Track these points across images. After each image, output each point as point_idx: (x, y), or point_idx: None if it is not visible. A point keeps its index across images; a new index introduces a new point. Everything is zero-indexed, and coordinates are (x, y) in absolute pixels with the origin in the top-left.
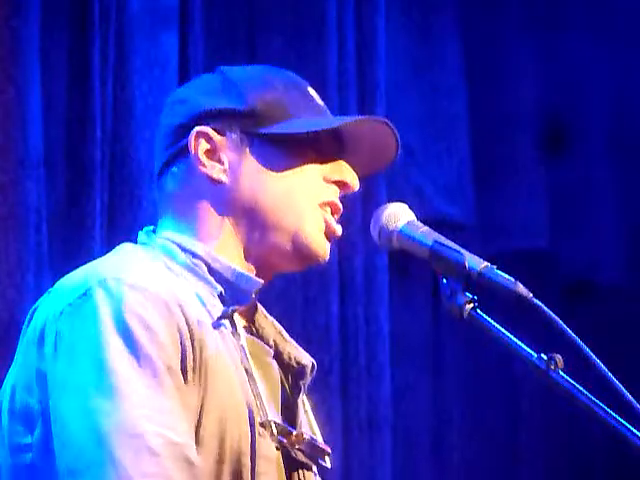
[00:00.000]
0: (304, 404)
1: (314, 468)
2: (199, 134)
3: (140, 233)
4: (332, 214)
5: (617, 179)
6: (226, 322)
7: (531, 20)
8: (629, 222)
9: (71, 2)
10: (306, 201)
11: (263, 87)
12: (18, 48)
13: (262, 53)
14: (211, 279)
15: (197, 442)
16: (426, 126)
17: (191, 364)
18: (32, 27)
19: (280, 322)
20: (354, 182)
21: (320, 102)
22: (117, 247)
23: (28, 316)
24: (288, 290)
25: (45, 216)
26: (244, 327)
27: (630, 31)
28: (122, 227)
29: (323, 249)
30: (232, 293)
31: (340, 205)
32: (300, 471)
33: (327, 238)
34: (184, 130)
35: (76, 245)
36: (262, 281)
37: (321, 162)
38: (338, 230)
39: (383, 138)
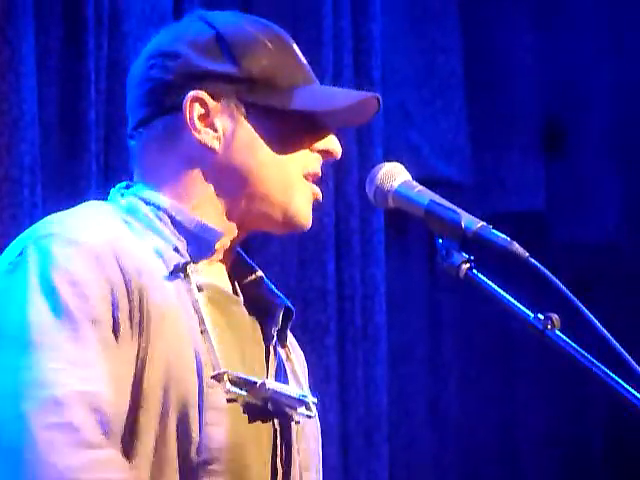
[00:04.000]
0: (289, 351)
1: (295, 417)
2: (194, 99)
3: (112, 190)
4: (314, 182)
5: (615, 136)
6: (181, 275)
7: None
8: (628, 183)
9: None
10: (295, 172)
11: (256, 48)
12: (12, 10)
13: (257, 9)
14: (169, 234)
15: (140, 393)
16: (422, 85)
17: (126, 315)
18: None
19: (276, 283)
20: (338, 151)
21: (304, 60)
22: (82, 204)
23: None
24: (284, 251)
25: (40, 177)
26: (226, 281)
27: (630, 29)
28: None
29: (308, 218)
30: (194, 245)
31: (320, 173)
32: (274, 420)
33: (311, 205)
34: (175, 89)
35: (71, 206)
36: (223, 232)
37: (313, 133)
38: (320, 196)
39: (367, 106)
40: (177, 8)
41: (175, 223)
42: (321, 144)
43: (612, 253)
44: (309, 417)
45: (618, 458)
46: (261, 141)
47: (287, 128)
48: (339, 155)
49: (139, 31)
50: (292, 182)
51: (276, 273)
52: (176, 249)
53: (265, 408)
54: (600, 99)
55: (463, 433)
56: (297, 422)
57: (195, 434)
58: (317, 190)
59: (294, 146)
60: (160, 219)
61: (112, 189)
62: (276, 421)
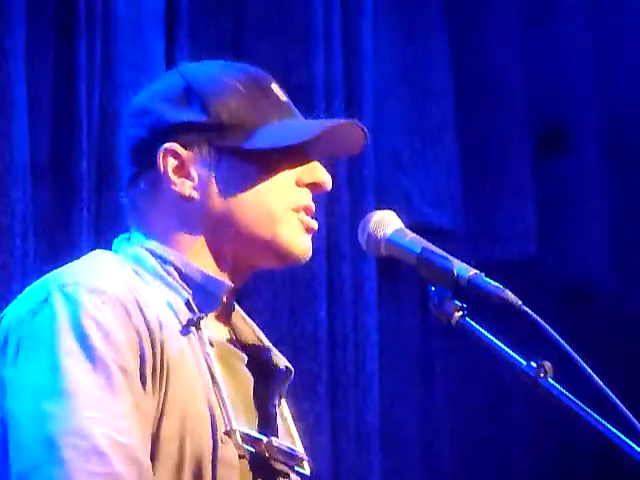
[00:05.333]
0: (282, 410)
1: (292, 476)
2: (167, 151)
3: (115, 241)
4: (306, 215)
5: (607, 186)
6: (193, 329)
7: (519, 22)
8: (617, 229)
9: (56, 7)
10: (279, 208)
11: (226, 93)
12: (3, 55)
13: (248, 58)
14: (178, 286)
15: (157, 445)
16: (414, 132)
17: (150, 366)
18: (17, 35)
19: (267, 330)
20: (327, 182)
21: (283, 98)
22: (90, 253)
23: None
24: (275, 298)
25: (31, 225)
26: (225, 330)
27: (624, 32)
28: (109, 237)
29: (304, 249)
30: (202, 297)
31: (313, 206)
32: (277, 478)
33: (307, 234)
34: (149, 145)
35: (63, 254)
36: (231, 284)
37: (292, 167)
38: (314, 225)
39: (351, 134)
40: (169, 55)
41: (182, 276)
42: (307, 177)
43: (607, 302)
44: (304, 476)
45: None
46: (239, 182)
47: (262, 165)
48: (328, 187)
49: (131, 79)
50: (276, 216)
51: (267, 320)
52: (187, 302)
53: (268, 465)
54: (594, 140)
55: (456, 474)
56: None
57: None
58: (307, 219)
59: (274, 182)
60: (167, 272)
61: (115, 239)
62: (278, 479)
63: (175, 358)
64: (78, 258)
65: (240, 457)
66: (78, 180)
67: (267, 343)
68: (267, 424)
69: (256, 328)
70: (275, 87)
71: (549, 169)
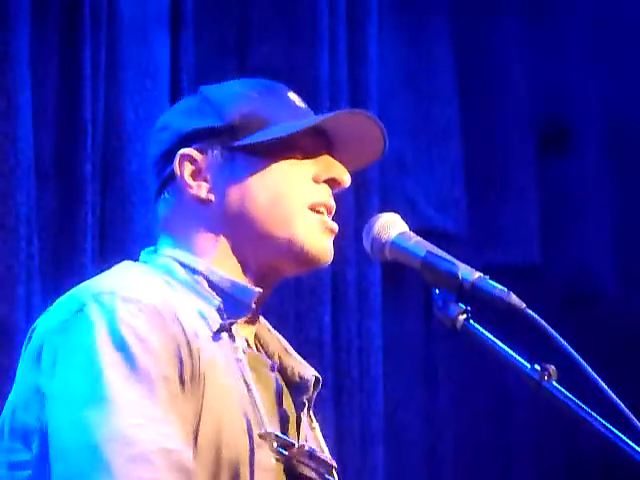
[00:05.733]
0: (311, 420)
1: None
2: (182, 157)
3: (142, 253)
4: (326, 214)
5: (609, 188)
6: (224, 335)
7: (524, 26)
8: (621, 232)
9: (61, 12)
10: (296, 205)
11: (240, 100)
12: (8, 60)
13: (253, 60)
14: (209, 294)
15: (195, 451)
16: (418, 135)
17: (189, 373)
18: (22, 39)
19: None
20: (344, 178)
21: (301, 105)
22: (117, 265)
23: (28, 335)
24: (280, 303)
25: (36, 228)
26: (247, 340)
27: (627, 35)
28: (114, 239)
29: (323, 250)
30: (231, 305)
31: (332, 203)
32: None
33: (326, 234)
34: (169, 156)
35: (67, 257)
36: (260, 290)
37: (308, 163)
38: (334, 227)
39: (369, 131)
40: (174, 59)
41: (211, 284)
42: (324, 173)
43: (610, 306)
44: None
45: None
46: (253, 181)
47: (276, 162)
48: (347, 182)
49: (135, 83)
50: (292, 215)
51: (273, 324)
52: (219, 309)
53: (299, 471)
54: (596, 141)
55: (460, 478)
56: None
57: None
58: (326, 219)
59: (289, 179)
60: (196, 281)
61: (142, 252)
62: None
63: (209, 365)
64: (82, 261)
65: (276, 460)
66: (82, 184)
67: (294, 354)
68: (295, 432)
69: (282, 338)
70: (292, 95)
71: (552, 171)
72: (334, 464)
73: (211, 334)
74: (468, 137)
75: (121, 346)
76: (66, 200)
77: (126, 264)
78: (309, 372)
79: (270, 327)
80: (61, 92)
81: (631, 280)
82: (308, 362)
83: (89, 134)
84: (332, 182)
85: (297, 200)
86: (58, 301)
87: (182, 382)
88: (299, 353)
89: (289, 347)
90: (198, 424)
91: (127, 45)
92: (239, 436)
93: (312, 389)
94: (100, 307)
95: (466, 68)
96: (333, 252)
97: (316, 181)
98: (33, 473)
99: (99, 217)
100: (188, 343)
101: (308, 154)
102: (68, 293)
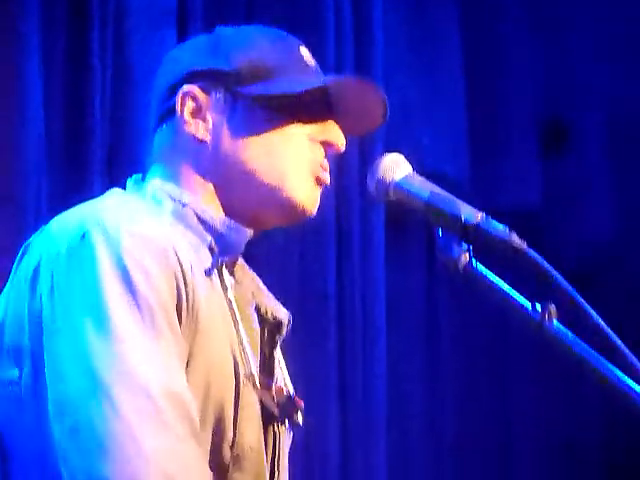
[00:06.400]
0: (279, 358)
1: (286, 423)
2: (185, 94)
3: (129, 180)
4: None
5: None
6: (215, 273)
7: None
8: (622, 175)
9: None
10: (289, 161)
11: (250, 47)
12: (16, 31)
13: None
14: (201, 228)
15: None
16: (423, 83)
17: (185, 308)
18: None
19: (276, 284)
20: (340, 142)
21: (311, 62)
22: (107, 192)
23: (21, 250)
24: (285, 249)
25: (45, 204)
26: (232, 278)
27: (629, 31)
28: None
29: (308, 201)
30: (222, 244)
31: (327, 164)
32: (275, 424)
33: (316, 185)
34: (173, 90)
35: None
36: (251, 231)
37: (306, 122)
38: (325, 177)
39: (371, 99)
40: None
41: (201, 220)
42: (321, 134)
43: (607, 250)
44: (299, 426)
45: (614, 462)
46: (251, 130)
47: (276, 115)
48: (342, 147)
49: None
50: (285, 167)
51: (277, 273)
52: (210, 247)
53: (272, 411)
54: (599, 98)
55: (459, 434)
56: (288, 428)
57: (230, 431)
58: (319, 171)
59: (285, 134)
60: (186, 214)
61: (128, 179)
62: (277, 425)
63: (202, 301)
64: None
65: (257, 400)
66: (90, 162)
67: (267, 293)
68: (268, 370)
69: (256, 277)
70: (304, 50)
71: (557, 121)
72: (301, 405)
73: (203, 271)
74: (472, 85)
75: (125, 278)
76: (73, 176)
77: (117, 192)
78: (282, 312)
79: (246, 265)
80: (69, 67)
81: (628, 223)
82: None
83: (97, 120)
84: (328, 145)
85: (291, 155)
86: (57, 223)
87: (180, 316)
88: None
89: (263, 286)
90: (189, 360)
91: (135, 30)
92: (227, 375)
93: (283, 328)
94: (105, 237)
95: (471, 14)
96: (318, 205)
97: (312, 140)
98: (21, 391)
99: (107, 149)
100: (185, 279)
101: (308, 112)
102: (67, 217)
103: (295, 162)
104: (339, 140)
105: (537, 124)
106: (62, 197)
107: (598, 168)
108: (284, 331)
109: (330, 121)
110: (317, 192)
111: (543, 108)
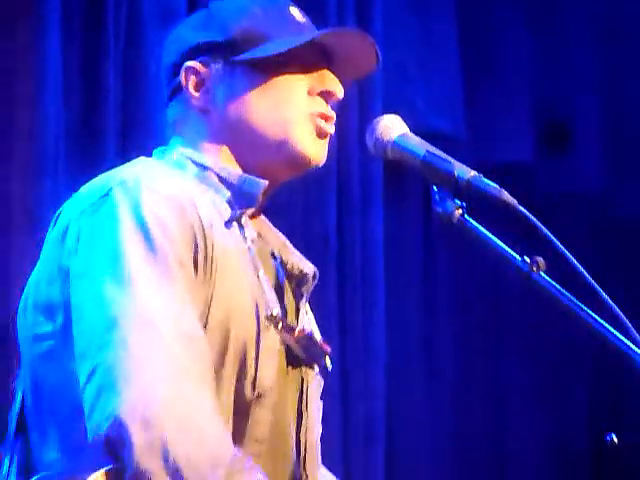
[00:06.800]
0: (307, 311)
1: (315, 367)
2: (187, 69)
3: (154, 151)
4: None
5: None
6: (235, 225)
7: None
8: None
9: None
10: (293, 113)
11: (241, 16)
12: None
13: None
14: (220, 186)
15: (205, 331)
16: (419, 45)
17: (202, 259)
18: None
19: (281, 229)
20: (338, 90)
21: (302, 19)
22: (134, 160)
23: (53, 219)
24: (288, 199)
25: (62, 133)
26: (255, 231)
27: (627, 27)
28: (135, 139)
29: (316, 151)
30: (240, 197)
31: (330, 113)
32: (303, 368)
33: (320, 138)
34: (177, 67)
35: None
36: (267, 182)
37: (303, 76)
38: (328, 129)
39: (361, 45)
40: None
41: (221, 179)
42: (318, 85)
43: (597, 202)
44: (327, 371)
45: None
46: (251, 95)
47: (274, 75)
48: (340, 95)
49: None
50: (289, 121)
51: (282, 219)
52: (229, 201)
53: (296, 353)
54: (594, 72)
55: (455, 372)
56: (316, 372)
57: (252, 370)
58: (322, 123)
59: (286, 91)
60: (207, 176)
61: (154, 150)
62: (304, 369)
63: (222, 252)
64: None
65: (279, 342)
66: (105, 133)
67: (292, 249)
68: (292, 319)
69: (281, 235)
70: (294, 10)
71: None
72: (328, 349)
73: (223, 224)
74: (466, 48)
75: (143, 230)
76: (88, 153)
77: (143, 159)
78: (308, 266)
79: (270, 224)
80: (86, 52)
81: (617, 176)
82: (313, 255)
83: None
84: (326, 94)
85: (294, 110)
86: (85, 186)
87: (196, 267)
88: (305, 246)
89: (288, 243)
90: (209, 307)
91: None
92: (248, 318)
93: (311, 282)
94: (125, 192)
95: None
96: (326, 155)
97: (310, 94)
98: (56, 343)
99: (121, 120)
100: (204, 232)
101: (304, 68)
102: (94, 180)
103: (296, 115)
104: (336, 88)
105: (531, 86)
106: (78, 165)
107: (588, 121)
108: (311, 284)
109: (327, 72)
110: (320, 142)
111: (539, 65)
